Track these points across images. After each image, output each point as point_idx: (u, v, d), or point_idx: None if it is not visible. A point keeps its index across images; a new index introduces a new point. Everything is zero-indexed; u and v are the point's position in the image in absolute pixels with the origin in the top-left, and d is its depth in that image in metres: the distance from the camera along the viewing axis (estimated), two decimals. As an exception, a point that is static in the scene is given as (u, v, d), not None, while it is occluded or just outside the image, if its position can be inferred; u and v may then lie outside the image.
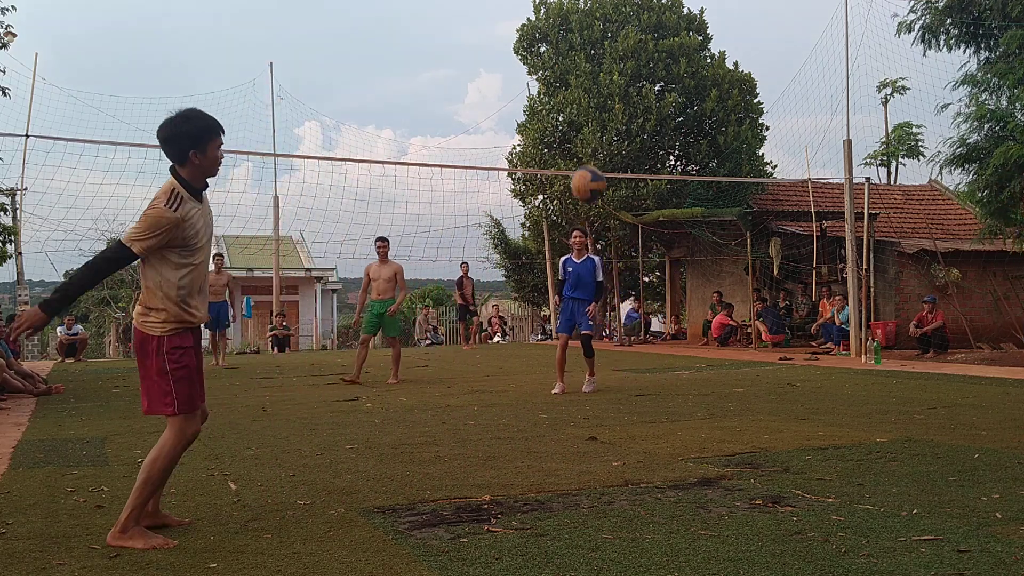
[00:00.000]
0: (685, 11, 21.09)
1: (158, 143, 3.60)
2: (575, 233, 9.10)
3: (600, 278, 9.02)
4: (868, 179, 16.15)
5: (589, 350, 9.01)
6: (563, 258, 9.23)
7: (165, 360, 3.51)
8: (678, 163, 21.41)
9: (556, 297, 10.45)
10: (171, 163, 3.59)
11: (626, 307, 23.56)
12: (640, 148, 19.53)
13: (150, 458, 3.52)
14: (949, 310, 14.62)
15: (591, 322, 9.02)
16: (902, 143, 27.46)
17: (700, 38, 20.81)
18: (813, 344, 16.20)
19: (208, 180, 3.68)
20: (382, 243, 10.53)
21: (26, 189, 16.88)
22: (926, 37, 15.00)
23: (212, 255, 15.02)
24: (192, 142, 3.54)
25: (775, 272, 17.45)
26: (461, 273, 18.50)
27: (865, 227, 15.32)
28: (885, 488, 4.19)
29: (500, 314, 26.66)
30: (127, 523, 3.42)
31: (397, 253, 19.96)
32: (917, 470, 4.63)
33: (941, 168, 13.82)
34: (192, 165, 3.57)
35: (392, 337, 10.68)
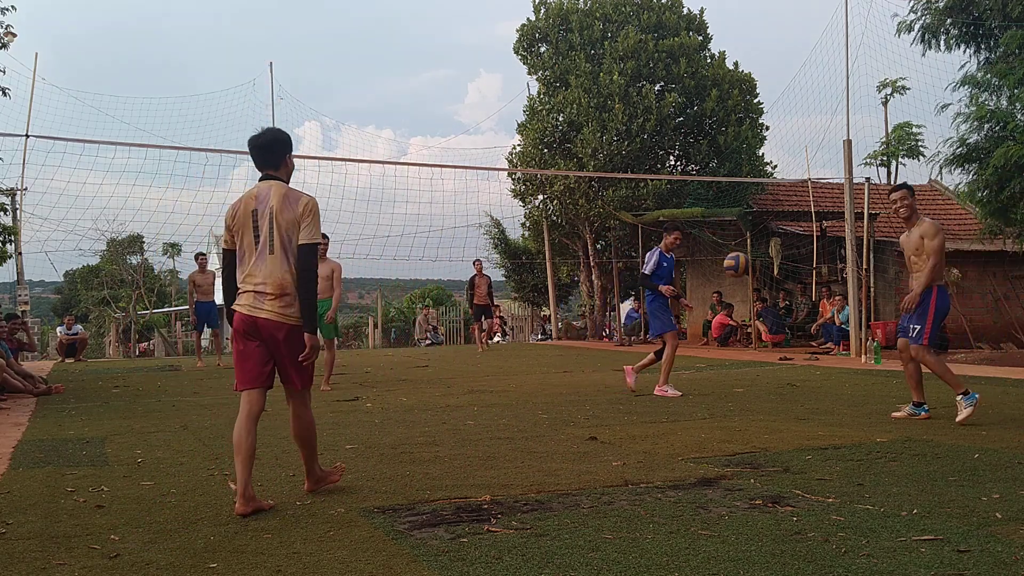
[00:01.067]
0: (685, 11, 21.10)
1: (252, 150, 4.17)
2: (676, 233, 9.03)
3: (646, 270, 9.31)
4: (868, 179, 16.15)
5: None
6: (656, 250, 9.02)
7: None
8: (678, 163, 21.42)
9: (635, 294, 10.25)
10: (264, 169, 4.15)
11: (626, 307, 23.56)
12: (640, 148, 19.53)
13: (303, 428, 4.39)
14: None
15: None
16: (902, 143, 27.43)
17: (700, 38, 20.83)
18: (813, 344, 16.20)
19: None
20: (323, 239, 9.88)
21: (26, 189, 16.90)
22: (926, 37, 15.02)
23: (196, 254, 14.85)
24: (286, 147, 4.21)
25: (775, 272, 17.46)
26: (475, 271, 17.18)
27: (865, 227, 15.32)
28: (885, 488, 4.19)
29: (500, 314, 26.65)
30: (316, 468, 4.37)
31: (397, 253, 19.96)
32: (917, 470, 4.63)
33: (941, 168, 13.84)
34: (286, 168, 4.21)
35: (328, 339, 10.02)
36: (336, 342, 10.13)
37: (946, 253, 6.35)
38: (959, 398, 6.48)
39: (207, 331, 14.79)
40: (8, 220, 16.09)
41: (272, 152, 4.15)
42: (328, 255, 9.99)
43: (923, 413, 6.73)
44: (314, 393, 9.25)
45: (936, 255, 6.77)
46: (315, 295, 4.10)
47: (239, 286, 4.11)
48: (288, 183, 4.18)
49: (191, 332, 37.18)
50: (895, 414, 6.79)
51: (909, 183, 6.93)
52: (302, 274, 4.02)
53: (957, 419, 6.38)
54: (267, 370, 4.17)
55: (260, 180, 4.16)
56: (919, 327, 6.71)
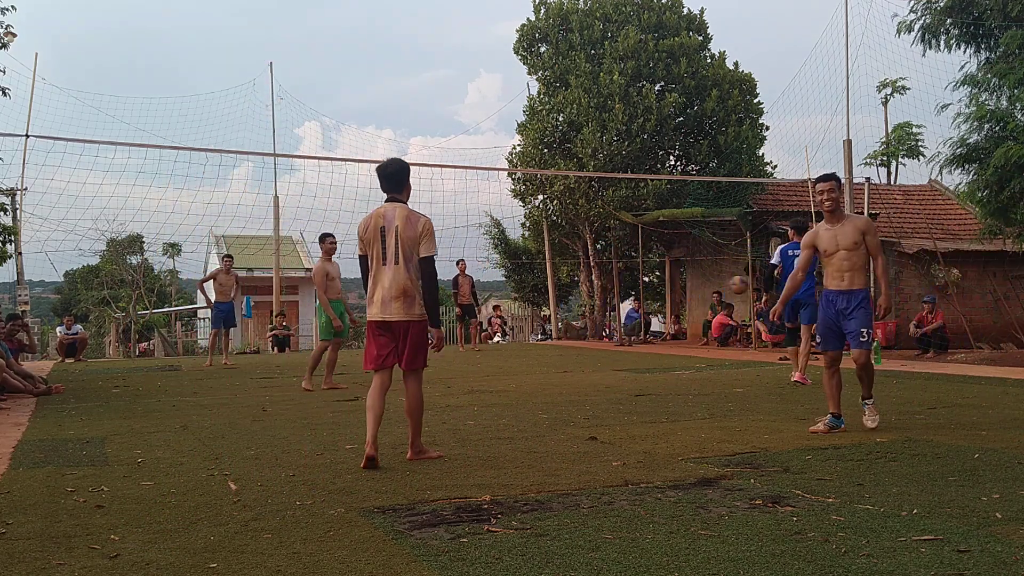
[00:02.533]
0: (685, 11, 21.09)
1: (382, 177, 5.18)
2: (793, 229, 9.80)
3: (772, 260, 10.11)
4: (868, 179, 16.19)
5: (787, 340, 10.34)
6: (784, 246, 9.92)
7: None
8: (678, 163, 21.41)
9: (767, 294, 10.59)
10: (389, 192, 5.16)
11: (626, 307, 23.57)
12: (640, 148, 19.53)
13: (414, 403, 5.16)
14: (949, 310, 14.63)
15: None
16: (902, 143, 27.44)
17: (700, 38, 20.81)
18: (813, 344, 16.17)
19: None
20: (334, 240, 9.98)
21: (26, 189, 16.91)
22: (926, 37, 15.00)
23: (224, 255, 14.90)
24: (407, 175, 5.26)
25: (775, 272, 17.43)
26: (458, 271, 17.08)
27: (865, 227, 15.29)
28: (885, 488, 4.19)
29: (500, 314, 26.65)
30: (419, 442, 5.20)
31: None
32: (917, 470, 4.63)
33: (941, 168, 13.83)
34: (407, 191, 5.24)
35: (335, 340, 10.01)
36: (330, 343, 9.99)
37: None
38: (870, 402, 6.29)
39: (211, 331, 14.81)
40: (8, 220, 16.09)
41: (398, 180, 5.18)
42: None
43: (843, 425, 6.16)
44: (330, 391, 9.32)
45: (882, 253, 6.15)
46: (436, 296, 5.14)
47: (368, 292, 5.14)
48: (407, 203, 5.20)
49: (191, 332, 37.20)
50: (813, 428, 6.13)
51: (837, 174, 6.38)
52: (425, 280, 5.06)
53: (870, 425, 6.18)
54: (390, 355, 5.12)
55: (386, 201, 5.14)
56: (868, 330, 6.08)
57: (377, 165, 5.30)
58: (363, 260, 5.19)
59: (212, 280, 13.63)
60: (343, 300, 9.97)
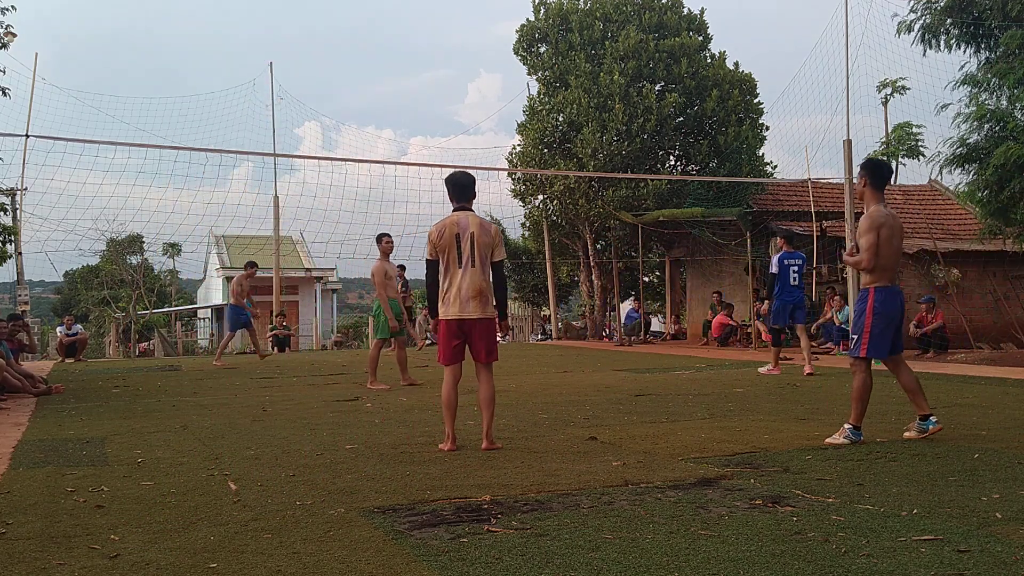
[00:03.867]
0: (686, 11, 21.09)
1: (455, 187, 5.68)
2: (783, 239, 11.02)
3: (771, 269, 10.84)
4: (868, 179, 16.14)
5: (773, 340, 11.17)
6: (779, 255, 10.81)
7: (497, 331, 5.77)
8: (678, 163, 21.41)
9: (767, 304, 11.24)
10: (460, 201, 5.65)
11: (626, 307, 23.56)
12: (640, 148, 19.53)
13: (490, 392, 5.60)
14: (949, 310, 14.63)
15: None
16: (902, 143, 27.44)
17: (700, 38, 20.81)
18: (813, 344, 16.19)
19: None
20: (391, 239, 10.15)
21: (26, 189, 16.91)
22: (926, 37, 15.00)
23: (248, 263, 15.38)
24: (475, 185, 5.78)
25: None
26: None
27: (865, 227, 15.29)
28: (885, 488, 4.19)
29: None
30: (492, 432, 5.58)
31: (398, 253, 19.96)
32: (917, 470, 4.63)
33: (941, 168, 13.84)
34: (474, 199, 5.76)
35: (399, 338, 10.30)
36: (387, 342, 10.29)
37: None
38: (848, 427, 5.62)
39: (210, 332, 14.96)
40: (8, 220, 16.09)
41: (469, 190, 5.70)
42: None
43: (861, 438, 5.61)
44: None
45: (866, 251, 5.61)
46: (506, 294, 5.80)
47: (444, 293, 5.55)
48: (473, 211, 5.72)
49: (191, 332, 37.17)
50: (907, 434, 5.72)
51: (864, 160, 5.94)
52: (498, 282, 5.65)
53: (829, 440, 5.57)
54: (462, 351, 5.61)
55: (456, 211, 5.62)
56: (857, 336, 5.65)
57: (447, 176, 5.75)
58: (433, 264, 5.61)
59: (240, 287, 13.91)
60: (399, 300, 10.11)
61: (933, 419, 5.61)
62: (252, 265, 14.26)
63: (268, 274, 25.38)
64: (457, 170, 5.82)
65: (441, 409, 5.65)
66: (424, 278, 5.73)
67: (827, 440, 5.59)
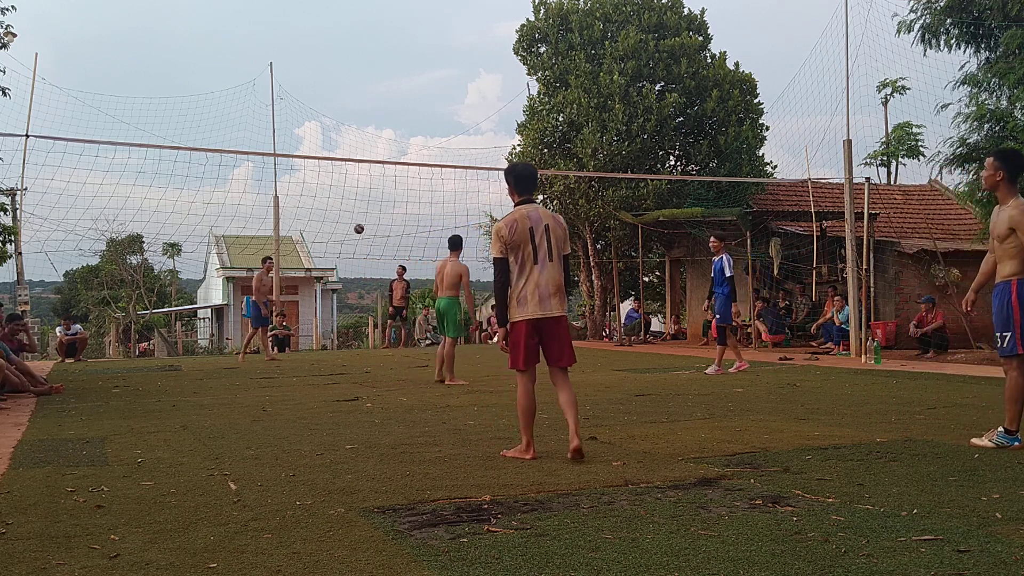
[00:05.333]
0: (686, 11, 21.08)
1: (523, 178, 5.35)
2: (711, 239, 11.52)
3: (727, 274, 11.00)
4: (868, 179, 16.15)
5: (718, 338, 11.38)
6: (727, 256, 11.26)
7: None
8: (678, 163, 21.41)
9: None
10: (526, 193, 5.29)
11: (626, 307, 23.56)
12: (640, 148, 19.53)
13: (572, 394, 5.24)
14: (949, 310, 14.62)
15: (717, 314, 11.25)
16: (902, 143, 27.45)
17: (700, 38, 20.80)
18: (813, 344, 16.20)
19: None
20: None
21: (26, 189, 16.91)
22: (926, 37, 15.00)
23: (264, 258, 15.80)
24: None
25: (775, 272, 17.45)
26: (396, 275, 19.35)
27: (865, 227, 15.32)
28: (885, 488, 4.19)
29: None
30: (579, 429, 5.14)
31: (397, 253, 20.07)
32: (917, 470, 4.63)
33: (941, 168, 13.85)
34: (537, 192, 5.10)
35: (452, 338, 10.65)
36: (457, 340, 10.64)
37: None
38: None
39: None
40: (8, 220, 16.09)
41: (533, 181, 5.41)
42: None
43: (1016, 443, 5.29)
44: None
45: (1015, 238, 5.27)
46: (569, 292, 5.43)
47: (519, 292, 5.12)
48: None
49: (191, 332, 37.14)
50: (974, 441, 5.43)
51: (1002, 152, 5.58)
52: (567, 277, 5.30)
53: (975, 441, 5.43)
54: (539, 352, 5.23)
55: (522, 203, 5.22)
56: (1008, 334, 5.35)
57: (508, 168, 5.46)
58: (504, 262, 5.13)
59: (260, 282, 14.06)
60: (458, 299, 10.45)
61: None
62: (268, 259, 14.59)
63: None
64: (518, 162, 5.68)
65: (519, 416, 5.30)
66: (492, 280, 5.26)
67: (972, 441, 5.34)
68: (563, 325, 5.23)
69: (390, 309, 19.90)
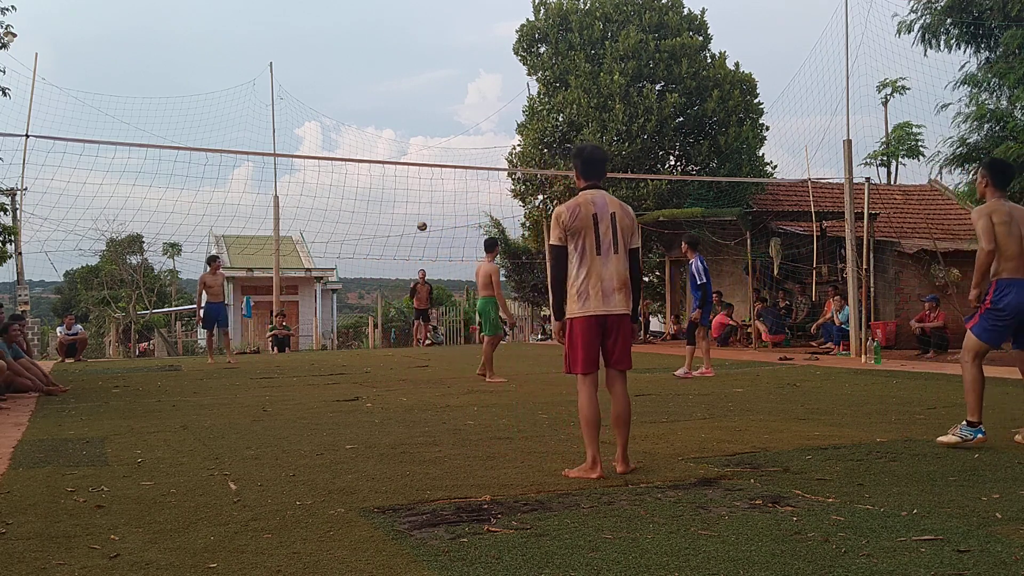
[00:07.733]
0: (686, 11, 21.08)
1: (593, 161, 4.80)
2: (682, 243, 11.35)
3: (700, 280, 10.85)
4: (868, 179, 16.15)
5: (688, 339, 11.33)
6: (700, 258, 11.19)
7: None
8: (678, 163, 21.41)
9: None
10: (594, 179, 4.78)
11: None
12: (640, 148, 19.53)
13: (628, 407, 4.74)
14: (949, 310, 14.62)
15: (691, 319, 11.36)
16: (902, 143, 27.48)
17: (701, 39, 20.81)
18: (813, 344, 16.20)
19: None
20: None
21: (26, 189, 16.90)
22: (926, 37, 15.02)
23: (210, 257, 15.53)
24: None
25: (775, 272, 17.45)
26: (418, 279, 20.13)
27: (865, 227, 15.31)
28: (885, 488, 4.19)
29: (502, 314, 26.67)
30: (627, 452, 4.72)
31: (397, 253, 20.10)
32: (917, 470, 4.63)
33: (941, 168, 13.88)
34: (604, 178, 4.95)
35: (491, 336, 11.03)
36: (497, 338, 11.03)
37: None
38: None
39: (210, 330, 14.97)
40: (8, 220, 16.09)
41: (602, 166, 4.87)
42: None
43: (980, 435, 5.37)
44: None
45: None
46: (640, 291, 4.91)
47: (579, 285, 4.63)
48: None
49: (191, 332, 37.16)
50: (941, 439, 5.44)
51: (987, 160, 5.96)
52: (635, 273, 4.79)
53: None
54: (599, 355, 4.74)
55: (588, 188, 4.73)
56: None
57: (576, 149, 4.91)
58: (562, 250, 4.66)
59: (203, 285, 13.82)
60: (493, 298, 10.85)
61: None
62: (216, 259, 14.32)
63: (268, 274, 25.40)
64: (587, 143, 5.24)
65: (582, 427, 4.68)
66: (549, 270, 4.76)
67: (939, 439, 5.40)
68: (627, 324, 4.72)
69: (415, 309, 20.80)
